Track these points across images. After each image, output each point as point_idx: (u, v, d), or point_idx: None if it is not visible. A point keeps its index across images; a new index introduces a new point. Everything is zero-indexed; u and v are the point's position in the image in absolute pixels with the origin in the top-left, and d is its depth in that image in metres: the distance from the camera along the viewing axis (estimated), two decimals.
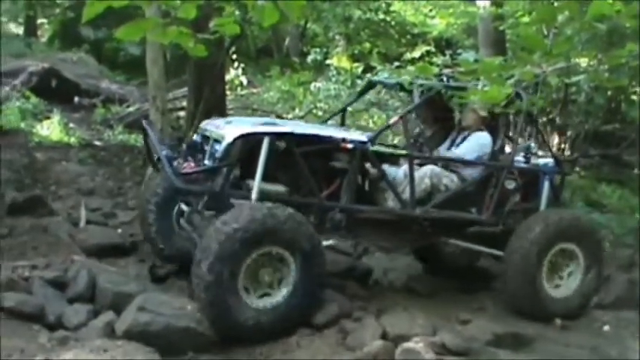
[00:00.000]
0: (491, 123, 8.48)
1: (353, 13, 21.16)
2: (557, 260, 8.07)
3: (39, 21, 25.75)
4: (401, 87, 8.54)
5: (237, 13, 9.76)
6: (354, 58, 20.86)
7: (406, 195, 7.70)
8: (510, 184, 8.34)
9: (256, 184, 6.99)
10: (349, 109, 11.06)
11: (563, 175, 8.94)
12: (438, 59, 12.53)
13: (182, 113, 15.22)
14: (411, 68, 7.98)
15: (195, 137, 8.23)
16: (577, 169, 17.24)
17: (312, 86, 18.28)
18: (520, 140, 8.89)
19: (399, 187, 7.77)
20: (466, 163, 8.24)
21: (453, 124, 8.98)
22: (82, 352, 5.48)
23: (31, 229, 8.44)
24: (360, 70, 18.91)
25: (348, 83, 15.64)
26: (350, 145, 7.45)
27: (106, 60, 20.75)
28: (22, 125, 13.78)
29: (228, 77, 18.20)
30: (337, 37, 23.61)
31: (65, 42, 22.18)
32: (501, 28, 15.88)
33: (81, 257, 7.66)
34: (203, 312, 6.41)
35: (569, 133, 18.42)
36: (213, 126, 7.74)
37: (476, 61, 6.85)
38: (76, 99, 16.36)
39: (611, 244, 10.83)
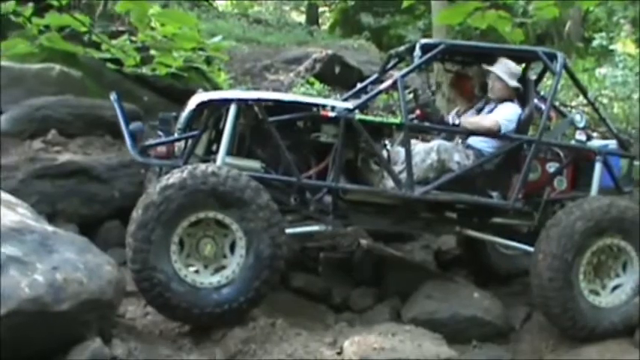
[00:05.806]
0: (521, 93, 6.91)
1: None
2: (601, 260, 6.37)
3: (320, 9, 26.55)
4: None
5: None
6: None
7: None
8: (551, 167, 6.85)
9: (220, 157, 6.04)
10: None
11: (630, 160, 7.03)
12: None
13: None
14: None
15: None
16: None
17: (596, 72, 17.60)
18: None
19: (398, 164, 6.48)
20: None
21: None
22: (370, 334, 5.51)
23: None
24: None
25: (637, 69, 14.79)
26: (331, 114, 6.30)
27: (387, 47, 20.94)
28: None
29: None
30: (622, 20, 22.62)
31: (346, 29, 22.71)
32: None
33: (367, 241, 7.76)
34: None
35: None
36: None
37: None
38: (358, 85, 16.64)
39: None
